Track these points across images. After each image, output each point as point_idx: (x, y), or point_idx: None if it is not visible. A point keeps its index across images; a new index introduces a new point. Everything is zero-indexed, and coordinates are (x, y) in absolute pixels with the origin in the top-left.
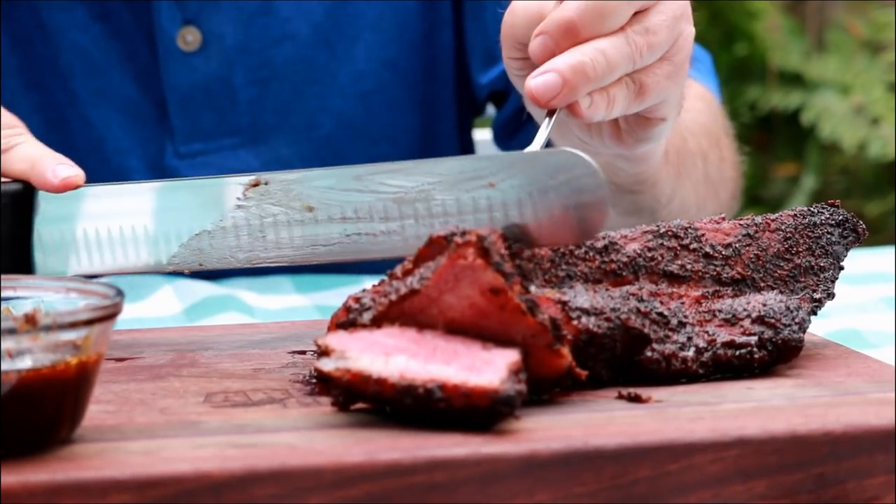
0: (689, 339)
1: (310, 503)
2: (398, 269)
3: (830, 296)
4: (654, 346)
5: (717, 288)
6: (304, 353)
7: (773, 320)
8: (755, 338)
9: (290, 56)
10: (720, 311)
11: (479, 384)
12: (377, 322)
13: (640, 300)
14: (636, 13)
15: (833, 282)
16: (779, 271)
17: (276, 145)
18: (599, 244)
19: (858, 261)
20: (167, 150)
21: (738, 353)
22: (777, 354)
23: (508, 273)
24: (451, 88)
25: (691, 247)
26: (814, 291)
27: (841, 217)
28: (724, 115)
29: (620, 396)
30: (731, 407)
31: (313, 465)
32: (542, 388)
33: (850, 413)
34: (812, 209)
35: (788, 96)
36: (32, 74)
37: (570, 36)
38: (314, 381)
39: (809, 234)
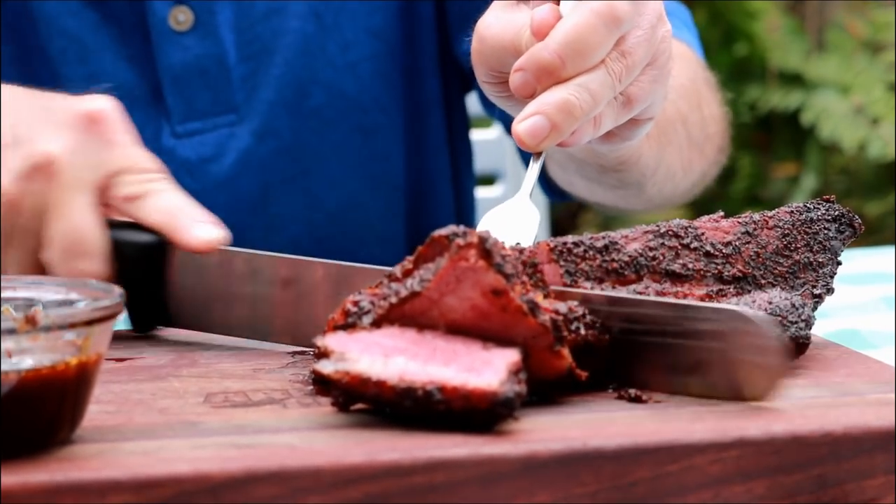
0: None
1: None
2: (397, 270)
3: (830, 291)
4: None
5: (720, 286)
6: (304, 353)
7: (780, 318)
8: None
9: (280, 29)
10: None
11: (479, 386)
12: (377, 325)
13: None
14: None
15: (832, 277)
16: (778, 268)
17: (269, 120)
18: (599, 243)
19: (858, 261)
20: (164, 130)
21: None
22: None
23: (510, 274)
24: (434, 61)
25: (692, 245)
26: (813, 287)
27: (837, 212)
28: (704, 67)
29: (620, 397)
30: (731, 407)
31: (313, 466)
32: (543, 389)
33: (849, 414)
34: (808, 205)
35: (788, 96)
36: (24, 64)
37: (551, 76)
38: (313, 382)
39: (807, 230)
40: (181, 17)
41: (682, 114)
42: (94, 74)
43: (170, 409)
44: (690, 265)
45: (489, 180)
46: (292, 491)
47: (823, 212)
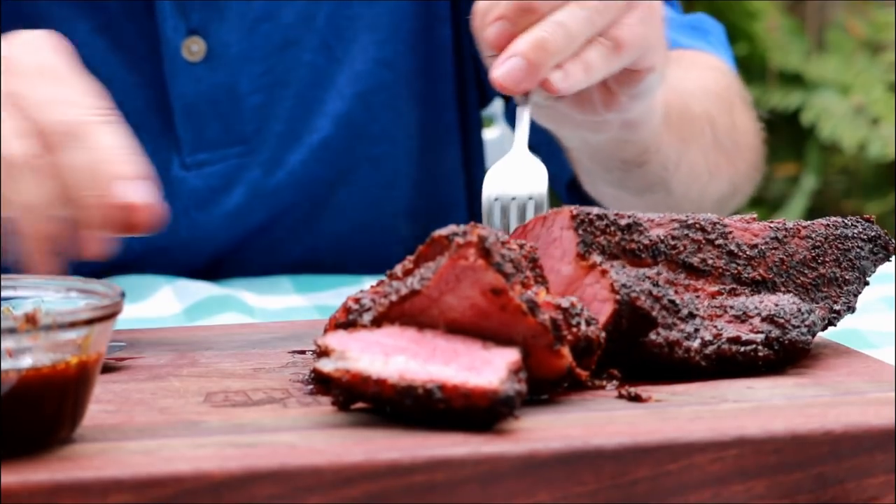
0: (696, 330)
1: (310, 503)
2: (398, 269)
3: (851, 310)
4: (660, 330)
5: (735, 286)
6: (304, 352)
7: (782, 320)
8: (762, 336)
9: (293, 62)
10: (732, 307)
11: (479, 385)
12: (377, 323)
13: (655, 284)
14: None
15: (856, 296)
16: (802, 278)
17: (278, 152)
18: (623, 221)
19: None
20: (173, 161)
21: (742, 349)
22: (783, 354)
23: (509, 273)
24: (452, 85)
25: (716, 242)
26: (834, 303)
27: (874, 233)
28: (740, 83)
29: (620, 396)
30: (731, 407)
31: (313, 465)
32: (543, 388)
33: (850, 413)
34: (846, 221)
35: (788, 96)
36: None
37: (528, 14)
38: (313, 380)
39: (839, 245)
40: (194, 48)
41: (710, 115)
42: None
43: (170, 408)
44: (710, 261)
45: None
46: (292, 490)
47: (861, 230)
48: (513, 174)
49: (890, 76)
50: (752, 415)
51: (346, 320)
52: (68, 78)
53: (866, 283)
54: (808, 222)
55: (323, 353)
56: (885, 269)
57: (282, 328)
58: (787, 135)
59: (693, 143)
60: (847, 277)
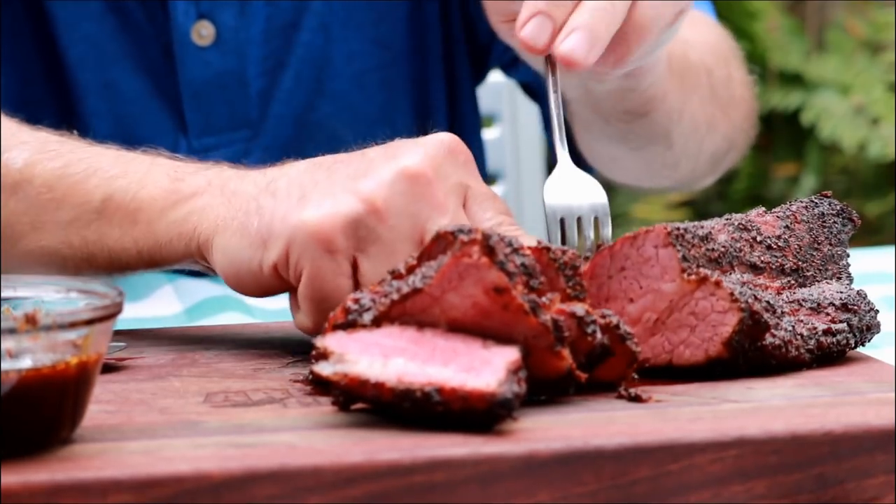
0: (793, 327)
1: (309, 503)
2: (401, 266)
3: (851, 282)
4: (773, 332)
5: (786, 278)
6: (304, 353)
7: (855, 307)
8: (844, 324)
9: (293, 43)
10: (804, 300)
11: (477, 387)
12: (378, 322)
13: (751, 288)
14: None
15: (848, 269)
16: (814, 261)
17: (278, 135)
18: (701, 232)
19: (858, 261)
20: (181, 145)
21: (835, 339)
22: (860, 339)
23: (512, 272)
24: (440, 64)
25: (758, 239)
26: (839, 279)
27: (838, 207)
28: (732, 39)
29: (620, 396)
30: (731, 407)
31: (313, 465)
32: (544, 390)
33: (850, 413)
34: (814, 200)
35: (788, 96)
36: (46, 63)
37: (566, 2)
38: (312, 382)
39: (823, 223)
40: (204, 32)
41: (707, 66)
42: (112, 82)
43: (170, 408)
44: (762, 257)
45: (489, 180)
46: (293, 490)
47: (829, 207)
48: (571, 188)
49: (890, 76)
50: (752, 415)
51: (346, 320)
52: (486, 198)
53: (847, 255)
54: (792, 206)
55: (321, 355)
56: (886, 268)
57: (282, 328)
58: (787, 135)
59: (692, 92)
60: (839, 253)
